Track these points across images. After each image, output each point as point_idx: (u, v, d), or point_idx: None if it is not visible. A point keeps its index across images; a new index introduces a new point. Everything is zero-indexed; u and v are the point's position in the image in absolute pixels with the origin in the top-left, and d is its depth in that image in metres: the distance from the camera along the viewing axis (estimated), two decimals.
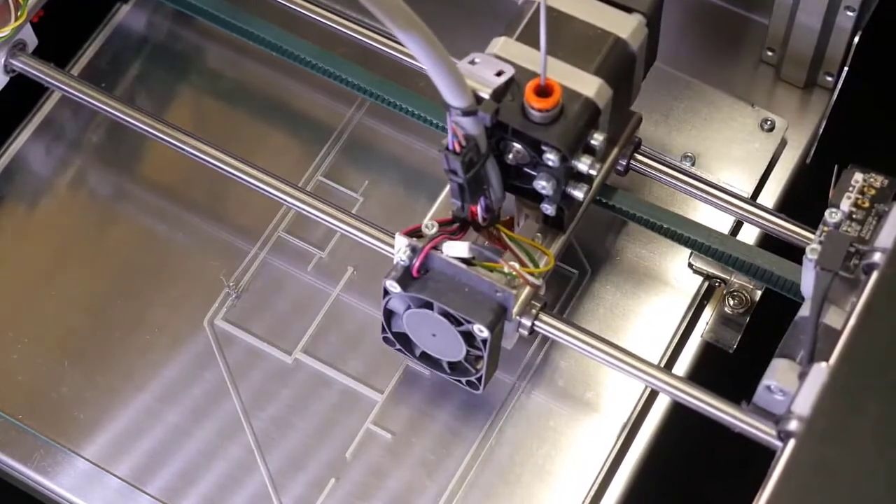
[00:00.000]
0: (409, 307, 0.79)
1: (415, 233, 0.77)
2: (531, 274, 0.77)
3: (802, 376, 0.70)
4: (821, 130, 0.95)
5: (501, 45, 0.78)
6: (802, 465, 0.67)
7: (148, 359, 0.88)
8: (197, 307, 0.90)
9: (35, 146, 0.96)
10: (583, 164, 0.75)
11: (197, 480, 0.85)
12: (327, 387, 0.87)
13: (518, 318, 0.78)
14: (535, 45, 0.72)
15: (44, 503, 0.87)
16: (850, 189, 0.77)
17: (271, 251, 0.92)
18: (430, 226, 0.77)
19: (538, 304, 0.79)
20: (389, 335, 0.82)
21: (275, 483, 0.84)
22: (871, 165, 0.79)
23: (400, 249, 0.77)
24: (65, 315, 0.90)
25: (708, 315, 0.89)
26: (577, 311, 0.89)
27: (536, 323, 0.79)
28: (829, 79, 0.96)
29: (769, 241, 0.86)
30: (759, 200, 0.92)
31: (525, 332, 0.79)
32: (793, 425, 0.69)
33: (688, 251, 0.89)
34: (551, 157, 0.75)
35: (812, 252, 0.74)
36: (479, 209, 0.77)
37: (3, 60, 0.90)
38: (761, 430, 0.74)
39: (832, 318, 0.74)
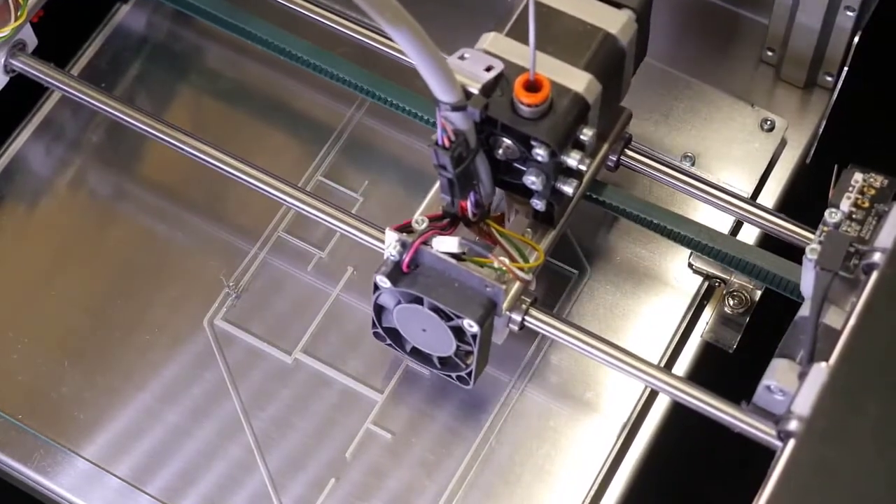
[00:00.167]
0: (399, 302, 0.79)
1: (405, 228, 0.78)
2: (521, 269, 0.78)
3: (802, 376, 0.70)
4: (821, 130, 0.95)
5: (491, 40, 0.78)
6: (802, 465, 0.67)
7: (148, 359, 0.88)
8: (197, 307, 0.90)
9: (35, 146, 0.96)
10: (572, 160, 0.76)
11: (197, 480, 0.85)
12: (327, 387, 0.87)
13: (508, 313, 0.78)
14: (525, 41, 0.72)
15: (44, 503, 0.87)
16: (850, 189, 0.77)
17: (271, 251, 0.92)
18: (420, 221, 0.78)
19: (528, 300, 0.79)
20: (380, 330, 0.82)
21: (275, 483, 0.84)
22: (871, 165, 0.79)
23: (390, 244, 0.77)
24: (65, 315, 0.90)
25: (708, 315, 0.89)
26: (577, 311, 0.89)
27: (527, 318, 0.79)
28: (829, 79, 0.96)
29: (769, 241, 0.86)
30: (759, 200, 0.92)
31: (515, 328, 0.79)
32: (793, 425, 0.69)
33: (688, 251, 0.89)
34: (540, 152, 0.75)
35: (812, 252, 0.74)
36: (468, 204, 0.77)
37: (3, 60, 0.90)
38: (761, 430, 0.74)
39: (832, 318, 0.74)
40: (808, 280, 0.76)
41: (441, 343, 0.80)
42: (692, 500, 1.00)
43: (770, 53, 0.97)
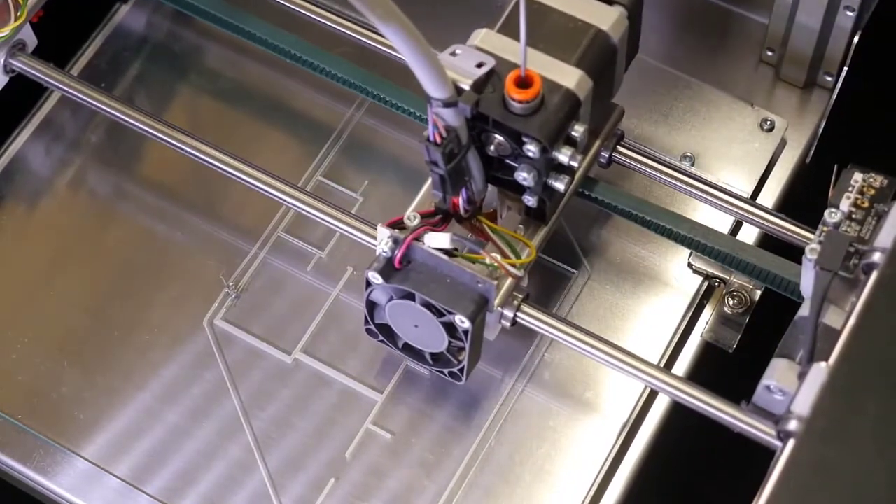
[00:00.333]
0: (391, 298, 0.79)
1: (397, 224, 0.78)
2: (512, 265, 0.78)
3: (802, 376, 0.70)
4: (820, 130, 0.95)
5: (483, 36, 0.78)
6: (802, 465, 0.67)
7: (147, 359, 0.88)
8: (196, 307, 0.90)
9: (35, 146, 0.96)
10: (563, 156, 0.76)
11: (196, 480, 0.85)
12: (327, 387, 0.87)
13: (500, 309, 0.79)
14: (517, 37, 0.73)
15: (43, 503, 0.87)
16: (850, 189, 0.77)
17: (271, 251, 0.92)
18: (412, 217, 0.78)
19: (520, 296, 0.79)
20: (372, 326, 0.82)
21: (274, 483, 0.84)
22: (871, 165, 0.79)
23: (382, 240, 0.77)
24: (65, 315, 0.90)
25: (708, 315, 0.89)
26: (577, 311, 0.89)
27: (518, 314, 0.79)
28: (829, 79, 0.95)
29: (769, 241, 0.86)
30: (758, 200, 0.92)
31: (507, 324, 0.80)
32: (792, 425, 0.69)
33: (687, 251, 0.89)
34: (532, 148, 0.75)
35: (812, 252, 0.74)
36: (460, 201, 0.77)
37: (2, 60, 0.90)
38: (761, 430, 0.74)
39: (832, 317, 0.74)
40: (807, 280, 0.76)
41: (433, 339, 0.80)
42: (692, 500, 1.00)
43: (770, 53, 0.97)
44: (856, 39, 0.92)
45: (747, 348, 0.88)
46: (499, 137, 0.76)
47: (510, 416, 0.86)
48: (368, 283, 0.79)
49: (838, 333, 0.70)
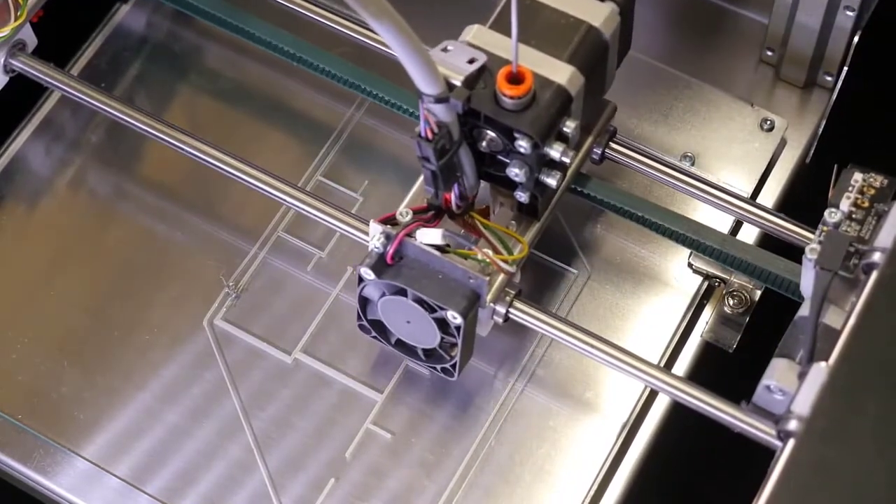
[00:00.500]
0: (383, 294, 0.79)
1: (389, 220, 0.78)
2: (504, 261, 0.78)
3: (802, 376, 0.70)
4: (820, 130, 0.95)
5: (474, 32, 0.79)
6: (802, 464, 0.67)
7: (147, 359, 0.88)
8: (196, 307, 0.90)
9: (35, 146, 0.96)
10: (555, 151, 0.76)
11: (196, 480, 0.85)
12: (327, 387, 0.87)
13: (492, 304, 0.79)
14: (508, 33, 0.73)
15: (43, 503, 0.87)
16: (850, 189, 0.77)
17: (271, 251, 0.92)
18: (404, 213, 0.78)
19: (512, 292, 0.79)
20: (365, 322, 0.82)
21: (274, 483, 0.84)
22: (871, 165, 0.79)
23: (374, 236, 0.77)
24: (65, 315, 0.90)
25: (708, 315, 0.89)
26: (577, 311, 0.89)
27: (511, 310, 0.79)
28: (829, 78, 0.96)
29: (769, 241, 0.86)
30: (758, 200, 0.92)
31: (500, 320, 0.80)
32: (792, 425, 0.69)
33: (687, 251, 0.89)
34: (523, 144, 0.75)
35: (812, 252, 0.74)
36: (452, 197, 0.78)
37: (2, 60, 0.90)
38: (761, 430, 0.74)
39: (832, 317, 0.74)
40: (807, 280, 0.76)
41: (425, 335, 0.80)
42: (692, 500, 1.00)
43: (770, 53, 0.97)
44: (856, 39, 0.92)
45: (747, 348, 0.88)
46: (490, 133, 0.76)
47: (510, 416, 0.86)
48: (361, 279, 0.79)
49: (838, 333, 0.70)
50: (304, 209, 0.85)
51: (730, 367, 0.89)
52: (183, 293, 0.90)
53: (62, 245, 0.92)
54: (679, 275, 0.90)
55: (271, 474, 0.85)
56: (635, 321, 0.89)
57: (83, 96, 0.90)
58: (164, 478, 0.85)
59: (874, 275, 0.72)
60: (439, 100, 0.71)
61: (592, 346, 0.79)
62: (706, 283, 0.90)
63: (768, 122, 0.94)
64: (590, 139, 0.84)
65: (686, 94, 0.96)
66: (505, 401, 0.86)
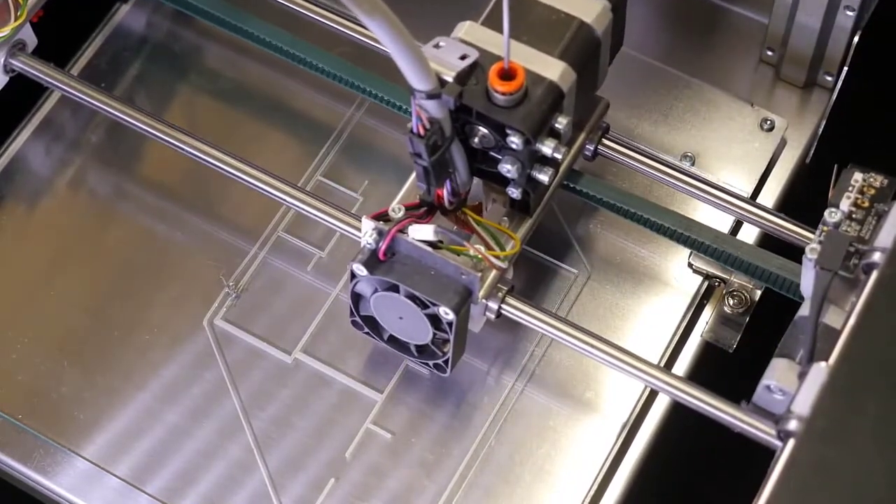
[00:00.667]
0: (376, 290, 0.79)
1: (382, 216, 0.78)
2: (496, 257, 0.78)
3: (802, 376, 0.70)
4: (820, 130, 0.95)
5: (466, 29, 0.79)
6: (802, 464, 0.67)
7: (147, 359, 0.88)
8: (196, 307, 0.90)
9: (35, 146, 0.96)
10: (547, 148, 0.76)
11: (197, 480, 0.85)
12: (327, 387, 0.87)
13: (484, 300, 0.79)
14: (500, 30, 0.73)
15: (44, 503, 0.87)
16: (850, 189, 0.77)
17: (271, 251, 0.92)
18: (396, 209, 0.78)
19: (504, 288, 0.79)
20: (357, 319, 0.82)
21: (274, 483, 0.84)
22: (871, 165, 0.79)
23: (366, 232, 0.78)
24: (64, 315, 0.90)
25: (708, 315, 0.89)
26: (577, 311, 0.89)
27: (503, 306, 0.79)
28: (829, 78, 0.95)
29: (769, 241, 0.86)
30: (758, 200, 0.92)
31: (492, 316, 0.80)
32: (792, 425, 0.69)
33: (687, 251, 0.89)
34: (515, 141, 0.75)
35: (812, 252, 0.74)
36: (445, 193, 0.78)
37: (2, 60, 0.90)
38: (761, 430, 0.74)
39: (832, 317, 0.74)
40: (807, 280, 0.76)
41: (418, 331, 0.80)
42: (692, 500, 1.00)
43: (770, 53, 0.97)
44: (856, 39, 0.92)
45: (747, 348, 0.88)
46: (482, 129, 0.76)
47: (510, 416, 0.86)
48: (353, 275, 0.79)
49: (838, 333, 0.70)
50: (304, 209, 0.85)
51: (730, 367, 0.89)
52: (183, 293, 0.90)
53: (62, 245, 0.92)
54: (679, 275, 0.90)
55: (271, 474, 0.85)
56: (635, 321, 0.89)
57: (83, 96, 0.90)
58: (164, 478, 0.85)
59: (874, 275, 0.72)
60: (431, 96, 0.71)
61: (592, 345, 0.79)
62: (706, 283, 0.90)
63: (768, 122, 0.94)
64: (582, 135, 0.84)
65: (686, 93, 0.96)
66: (505, 401, 0.86)
